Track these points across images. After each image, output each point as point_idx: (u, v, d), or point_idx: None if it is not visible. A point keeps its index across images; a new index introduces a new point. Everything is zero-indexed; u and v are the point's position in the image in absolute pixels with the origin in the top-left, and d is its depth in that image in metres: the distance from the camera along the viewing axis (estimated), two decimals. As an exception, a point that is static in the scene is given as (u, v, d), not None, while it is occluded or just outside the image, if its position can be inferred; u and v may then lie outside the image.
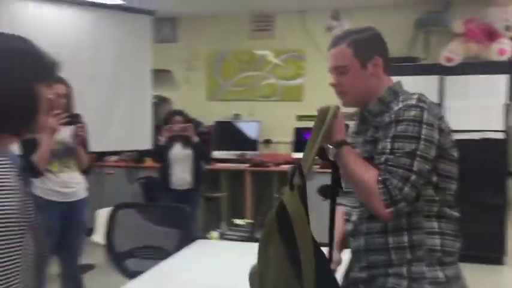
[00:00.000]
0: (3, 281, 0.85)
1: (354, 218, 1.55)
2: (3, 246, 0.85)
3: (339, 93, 1.57)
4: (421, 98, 1.45)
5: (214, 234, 3.01)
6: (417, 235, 1.43)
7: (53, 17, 4.63)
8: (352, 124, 1.70)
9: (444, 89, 4.83)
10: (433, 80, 4.83)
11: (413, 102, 1.42)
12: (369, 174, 1.40)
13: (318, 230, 1.61)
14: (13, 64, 0.98)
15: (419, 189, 1.39)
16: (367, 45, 1.53)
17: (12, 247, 0.87)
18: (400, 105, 1.44)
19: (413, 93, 1.49)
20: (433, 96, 4.81)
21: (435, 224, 1.44)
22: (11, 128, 1.00)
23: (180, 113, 4.41)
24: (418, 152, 1.37)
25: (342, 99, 1.57)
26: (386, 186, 1.36)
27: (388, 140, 1.41)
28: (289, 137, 5.72)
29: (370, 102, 1.54)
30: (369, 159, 1.45)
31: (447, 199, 1.46)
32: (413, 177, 1.36)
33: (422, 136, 1.38)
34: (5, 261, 0.86)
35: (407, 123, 1.39)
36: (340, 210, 1.67)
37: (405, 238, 1.43)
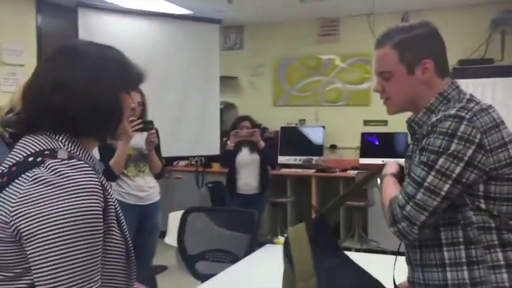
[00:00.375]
0: (86, 276, 0.90)
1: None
2: (86, 243, 0.90)
3: (383, 100, 1.42)
4: (465, 106, 1.25)
5: (281, 239, 3.02)
6: (479, 270, 1.23)
7: (127, 27, 4.87)
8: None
9: (523, 92, 4.56)
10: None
11: (453, 111, 1.23)
12: (389, 194, 1.30)
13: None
14: (106, 72, 1.04)
15: (434, 211, 1.21)
16: (415, 47, 1.34)
17: (94, 244, 0.92)
18: (440, 114, 1.26)
19: (461, 100, 1.30)
20: (511, 99, 4.58)
21: (500, 256, 1.22)
22: (97, 133, 1.06)
23: (247, 118, 4.47)
24: (437, 166, 1.20)
25: (387, 107, 1.43)
26: (391, 204, 1.26)
27: (417, 154, 1.28)
28: (356, 142, 5.63)
29: (419, 111, 1.37)
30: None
31: (508, 223, 1.24)
32: (420, 194, 1.21)
33: (449, 151, 1.19)
34: (88, 257, 0.91)
35: (437, 136, 1.21)
36: None
37: (465, 274, 1.23)
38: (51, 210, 0.88)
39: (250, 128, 4.32)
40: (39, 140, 0.99)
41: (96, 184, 0.94)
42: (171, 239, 3.39)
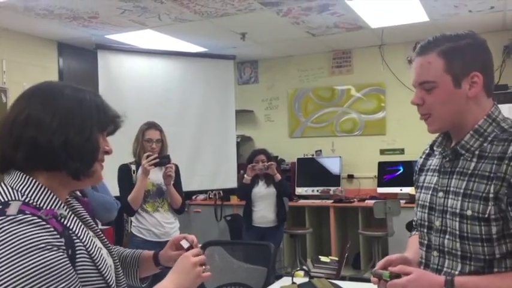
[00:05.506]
0: None
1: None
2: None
3: (422, 115, 1.26)
4: None
5: (299, 272, 3.01)
6: None
7: (144, 66, 5.03)
8: (427, 154, 1.42)
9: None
10: (526, 107, 4.57)
11: None
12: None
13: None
14: (81, 112, 1.05)
15: None
16: (464, 57, 1.20)
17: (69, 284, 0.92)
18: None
19: None
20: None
21: None
22: (69, 167, 1.02)
23: (263, 151, 4.49)
24: None
25: (427, 124, 1.27)
26: None
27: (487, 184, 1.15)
28: (373, 172, 5.62)
29: (462, 131, 1.23)
30: (456, 215, 1.20)
31: None
32: None
33: None
34: None
35: None
36: (415, 237, 1.45)
37: None
38: (3, 273, 0.87)
39: (266, 161, 4.34)
40: None
41: (45, 236, 0.92)
42: (190, 273, 3.41)
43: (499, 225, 1.15)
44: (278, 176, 4.34)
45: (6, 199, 0.97)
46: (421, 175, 1.41)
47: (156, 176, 3.22)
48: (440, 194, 1.28)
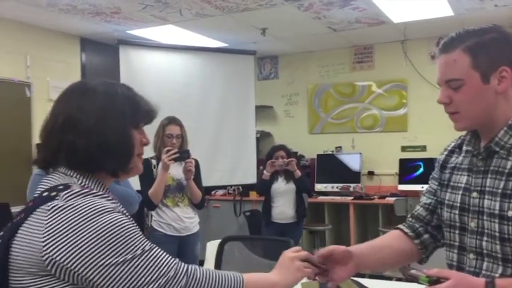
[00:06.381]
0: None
1: None
2: (127, 246, 0.97)
3: (450, 113, 1.22)
4: None
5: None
6: None
7: (165, 61, 5.06)
8: (452, 152, 1.38)
9: None
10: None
11: None
12: None
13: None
14: (114, 109, 1.08)
15: None
16: (491, 52, 1.16)
17: (137, 242, 0.99)
18: None
19: None
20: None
21: None
22: (108, 167, 1.07)
23: (282, 147, 4.46)
24: None
25: (455, 122, 1.23)
26: None
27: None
28: (394, 169, 5.56)
29: (493, 128, 1.19)
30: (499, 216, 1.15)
31: None
32: None
33: None
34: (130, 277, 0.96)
35: None
36: (393, 233, 1.42)
37: None
38: (80, 235, 0.93)
39: (286, 157, 4.31)
40: (54, 178, 1.05)
41: (111, 205, 0.99)
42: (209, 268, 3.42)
43: None
44: (298, 173, 4.31)
45: (65, 182, 1.03)
46: (444, 172, 1.37)
47: (176, 170, 3.23)
48: (474, 194, 1.23)
